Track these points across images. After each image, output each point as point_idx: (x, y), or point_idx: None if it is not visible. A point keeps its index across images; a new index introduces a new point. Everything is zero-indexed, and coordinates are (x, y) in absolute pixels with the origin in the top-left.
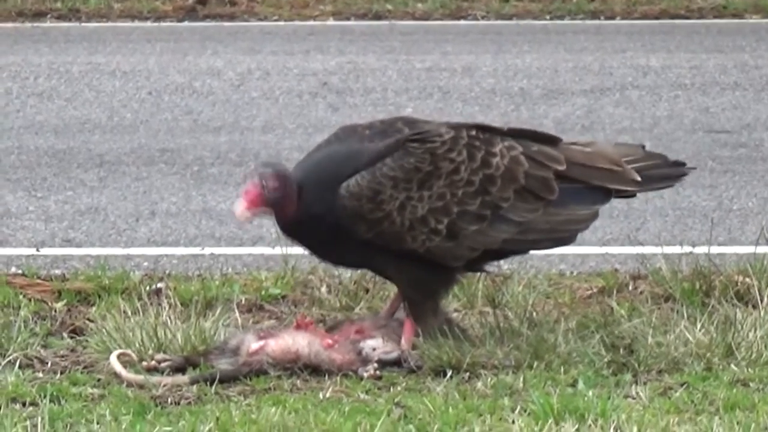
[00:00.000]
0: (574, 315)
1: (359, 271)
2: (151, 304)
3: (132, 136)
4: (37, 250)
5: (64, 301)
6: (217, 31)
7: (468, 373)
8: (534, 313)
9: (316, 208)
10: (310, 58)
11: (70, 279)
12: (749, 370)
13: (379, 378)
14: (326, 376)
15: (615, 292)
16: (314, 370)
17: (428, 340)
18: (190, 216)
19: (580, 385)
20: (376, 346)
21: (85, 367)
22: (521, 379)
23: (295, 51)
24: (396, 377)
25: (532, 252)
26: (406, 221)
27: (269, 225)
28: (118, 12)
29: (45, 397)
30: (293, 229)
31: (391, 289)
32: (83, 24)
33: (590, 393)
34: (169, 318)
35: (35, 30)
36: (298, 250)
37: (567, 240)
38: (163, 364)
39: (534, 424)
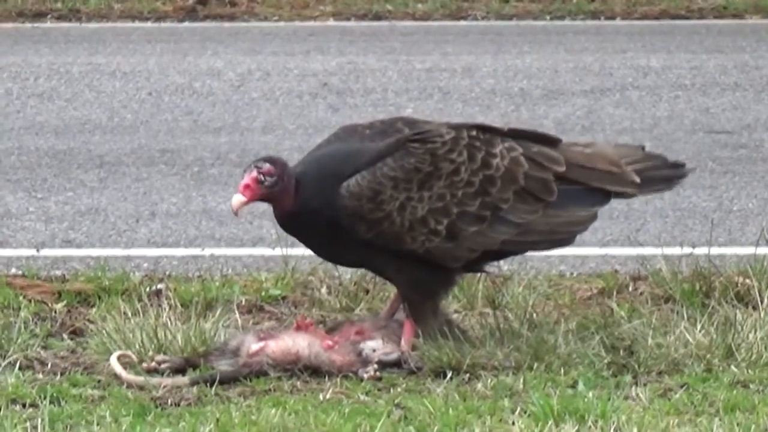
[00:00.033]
0: (574, 316)
1: (359, 273)
2: (151, 305)
3: (132, 137)
4: (37, 251)
5: (65, 302)
6: (218, 31)
7: (468, 375)
8: (534, 315)
9: (314, 203)
10: (310, 58)
11: (70, 280)
12: (749, 371)
13: (379, 379)
14: (326, 378)
15: (615, 293)
16: (314, 371)
17: (428, 342)
18: (191, 217)
19: (580, 386)
20: (376, 347)
21: (85, 369)
22: (521, 380)
23: (295, 51)
24: (396, 378)
25: (532, 253)
26: (405, 222)
27: (269, 226)
28: (119, 12)
29: (45, 398)
30: (290, 223)
31: (391, 291)
32: (83, 24)
33: (590, 394)
34: (169, 319)
35: (35, 30)
36: (299, 251)
37: (566, 241)
38: (163, 366)
39: (534, 425)
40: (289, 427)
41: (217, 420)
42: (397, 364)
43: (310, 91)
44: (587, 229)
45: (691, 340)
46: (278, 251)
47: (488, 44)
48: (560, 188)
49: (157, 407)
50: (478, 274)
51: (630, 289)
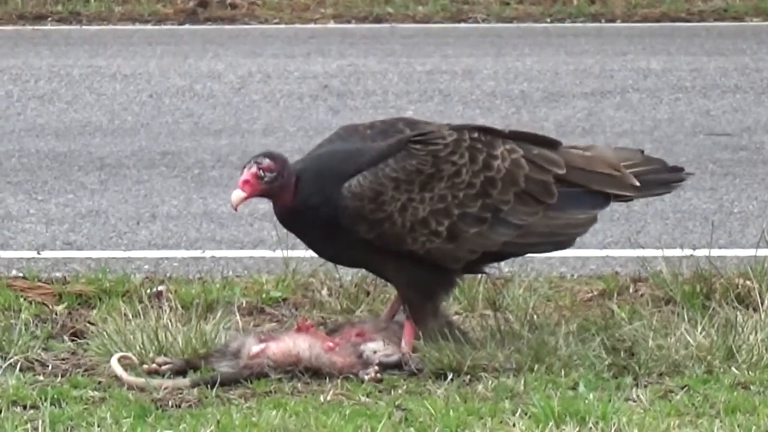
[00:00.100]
0: (575, 318)
1: (360, 274)
2: (152, 307)
3: (133, 139)
4: (38, 253)
5: (65, 304)
6: (218, 34)
7: (469, 376)
8: (535, 316)
9: (314, 200)
10: (310, 61)
11: (70, 282)
12: (750, 373)
13: (380, 381)
14: (327, 379)
15: (616, 295)
16: (315, 373)
17: (429, 343)
18: (191, 219)
19: (581, 388)
20: (376, 348)
21: (85, 370)
22: (522, 382)
23: (295, 54)
24: (397, 380)
25: (532, 255)
26: (407, 222)
27: (270, 228)
28: (119, 15)
29: (46, 400)
30: (290, 219)
31: (392, 292)
32: (84, 27)
33: (591, 396)
34: (170, 321)
35: (36, 33)
36: (299, 253)
37: (566, 244)
38: (163, 367)
39: (535, 427)
40: (289, 428)
41: (218, 422)
42: (397, 365)
43: (310, 93)
44: (587, 231)
45: (691, 341)
46: (279, 253)
47: (489, 47)
48: (560, 191)
49: (157, 409)
50: (479, 276)
51: (630, 290)
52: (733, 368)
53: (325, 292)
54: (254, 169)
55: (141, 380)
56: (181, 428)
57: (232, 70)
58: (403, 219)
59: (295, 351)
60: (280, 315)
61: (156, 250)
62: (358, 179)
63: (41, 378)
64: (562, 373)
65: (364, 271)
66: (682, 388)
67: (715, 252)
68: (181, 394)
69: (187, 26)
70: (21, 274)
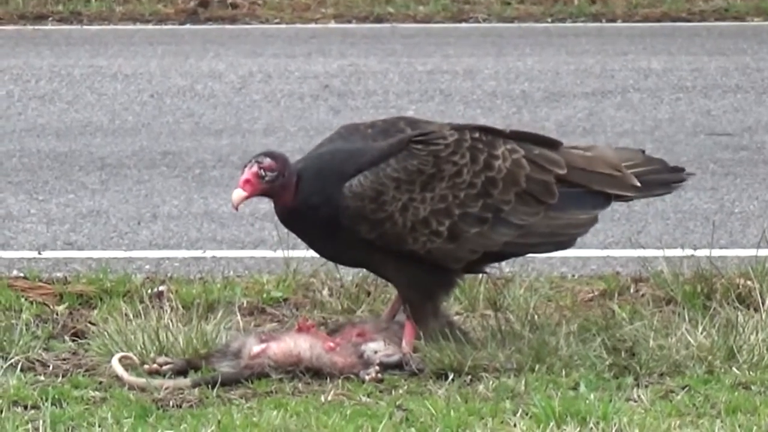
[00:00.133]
0: (576, 318)
1: (361, 275)
2: (153, 307)
3: (133, 139)
4: (39, 253)
5: (66, 304)
6: (219, 34)
7: (469, 376)
8: (535, 316)
9: (314, 199)
10: (311, 60)
11: (71, 282)
12: (751, 373)
13: (381, 381)
14: (328, 379)
15: (616, 295)
16: (316, 373)
17: (430, 343)
18: (192, 219)
19: (582, 388)
20: (377, 349)
21: (86, 370)
22: (523, 382)
23: (296, 54)
24: (397, 380)
25: (533, 255)
26: (408, 222)
27: (271, 228)
28: (120, 15)
29: (47, 400)
30: (290, 218)
31: (393, 292)
32: (85, 27)
33: (592, 396)
34: (171, 321)
35: (37, 33)
36: (300, 253)
37: (567, 244)
38: (164, 367)
39: (536, 427)
40: (290, 428)
41: (219, 422)
42: (398, 365)
43: (311, 93)
44: (588, 231)
45: (692, 341)
46: (280, 253)
47: (490, 46)
48: (561, 191)
49: (158, 409)
50: (480, 276)
51: (631, 290)
52: (734, 368)
53: (326, 292)
54: (255, 168)
55: (142, 380)
56: (182, 428)
57: (233, 69)
58: (404, 219)
59: (296, 351)
60: (281, 315)
61: (157, 250)
62: (359, 179)
63: (42, 378)
64: (563, 373)
65: (364, 271)
66: (683, 389)
67: (716, 252)
68: (182, 394)
69: (188, 26)
70: (22, 274)
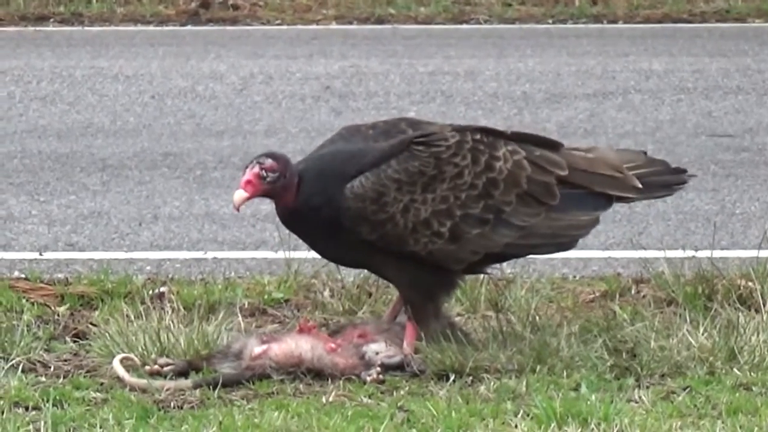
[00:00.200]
0: (577, 319)
1: (362, 276)
2: (154, 308)
3: (135, 140)
4: (40, 254)
5: (67, 305)
6: (220, 35)
7: (471, 377)
8: (537, 317)
9: (315, 200)
10: (312, 62)
11: (73, 283)
12: (752, 374)
13: (382, 382)
14: (329, 380)
15: (618, 296)
16: (317, 374)
17: (431, 344)
18: (193, 220)
19: (583, 389)
20: (378, 350)
21: (88, 371)
22: (524, 383)
23: (297, 55)
24: (399, 381)
25: (534, 256)
26: (409, 223)
27: (272, 229)
28: (121, 16)
29: (48, 401)
30: (291, 219)
31: (394, 293)
32: (86, 28)
33: (593, 397)
34: (172, 322)
35: (38, 34)
36: (302, 254)
37: (568, 245)
38: (166, 368)
39: (537, 428)
40: (291, 429)
41: (220, 423)
42: (400, 366)
43: (312, 94)
44: (589, 233)
45: (693, 342)
46: (281, 254)
47: (491, 48)
48: (563, 192)
49: (159, 410)
50: (481, 277)
51: (633, 292)
52: (735, 369)
53: (327, 293)
54: (256, 169)
55: (143, 381)
56: (183, 429)
57: (234, 71)
58: (405, 220)
59: (298, 352)
60: (282, 316)
61: (158, 252)
62: (361, 180)
63: (43, 379)
64: (564, 374)
65: (366, 272)
66: (684, 389)
67: (717, 253)
68: (183, 395)
69: (189, 27)
70: (23, 276)
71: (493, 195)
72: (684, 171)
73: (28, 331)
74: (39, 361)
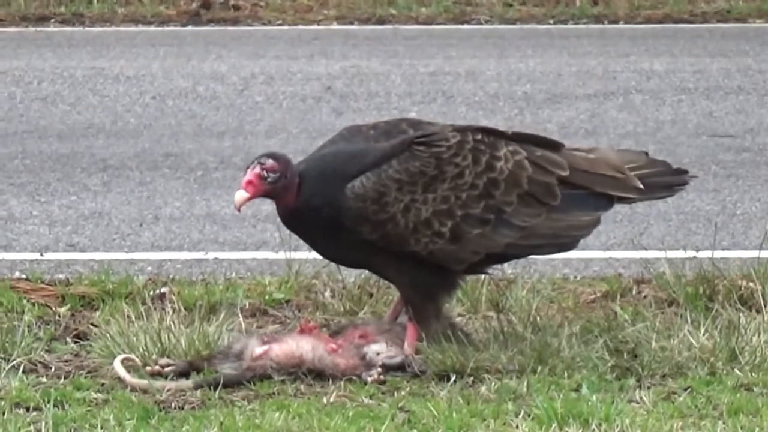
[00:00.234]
0: (578, 319)
1: (363, 276)
2: (155, 308)
3: (136, 141)
4: (41, 255)
5: (68, 305)
6: (221, 35)
7: (472, 378)
8: (538, 318)
9: (316, 200)
10: (313, 62)
11: (73, 284)
12: (753, 374)
13: (383, 382)
14: (330, 381)
15: (619, 296)
16: (318, 374)
17: (432, 345)
18: (194, 221)
19: (584, 389)
20: (379, 350)
21: (88, 372)
22: (525, 383)
23: (298, 55)
24: (400, 382)
25: (535, 256)
26: (410, 223)
27: (273, 230)
28: (122, 17)
29: (49, 401)
30: (292, 220)
31: (395, 294)
32: (87, 28)
33: (594, 397)
34: (173, 322)
35: (39, 34)
36: (302, 254)
37: (569, 245)
38: (166, 369)
39: (538, 428)
40: (292, 430)
41: (221, 423)
42: (400, 367)
43: (313, 94)
44: (590, 233)
45: (694, 343)
46: (282, 255)
47: (492, 48)
48: (564, 192)
49: (160, 411)
50: (482, 278)
51: (634, 292)
52: (736, 370)
53: (328, 293)
54: (257, 169)
55: (144, 382)
56: (184, 430)
57: (235, 71)
58: (406, 220)
59: (298, 353)
60: (283, 317)
61: (159, 252)
62: (361, 180)
63: (44, 380)
64: (565, 374)
65: (367, 272)
66: (685, 390)
67: (718, 254)
68: (184, 395)
69: (190, 28)
70: (24, 276)
71: (494, 195)
72: (685, 172)
73: (29, 331)
74: (40, 362)
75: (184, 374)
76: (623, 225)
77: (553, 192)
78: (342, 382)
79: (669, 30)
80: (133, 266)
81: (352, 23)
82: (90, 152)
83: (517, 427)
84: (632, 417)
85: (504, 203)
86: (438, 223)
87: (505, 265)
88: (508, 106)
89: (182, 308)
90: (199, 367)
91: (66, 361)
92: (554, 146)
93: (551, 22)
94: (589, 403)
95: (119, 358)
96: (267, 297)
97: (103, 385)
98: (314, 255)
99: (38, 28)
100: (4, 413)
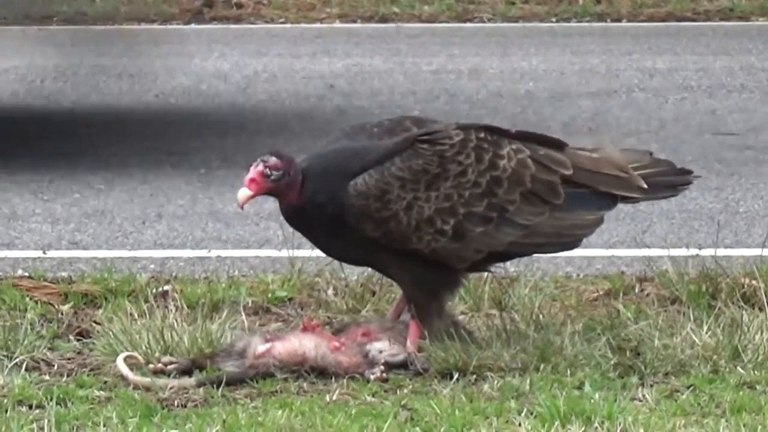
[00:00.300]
0: (581, 317)
1: (366, 274)
2: (158, 306)
3: (139, 139)
4: (44, 253)
5: (71, 303)
6: (224, 33)
7: (474, 376)
8: (540, 316)
9: (319, 198)
10: (316, 60)
11: (76, 281)
12: (756, 372)
13: (386, 380)
14: (333, 379)
15: (621, 294)
16: (321, 372)
17: (435, 343)
18: (197, 218)
19: (587, 387)
20: (382, 348)
21: (91, 370)
22: (528, 381)
23: (301, 53)
24: (402, 380)
25: (538, 255)
26: (412, 221)
27: (276, 228)
28: (125, 15)
29: (51, 399)
30: (296, 217)
31: (397, 292)
32: (89, 27)
33: (597, 395)
34: (176, 320)
35: (42, 33)
36: (305, 252)
37: (572, 244)
38: (169, 367)
39: (540, 426)
40: (295, 428)
41: (224, 421)
42: (403, 365)
43: (316, 93)
44: (593, 232)
45: (697, 341)
46: (285, 253)
47: (494, 46)
48: (567, 191)
49: (163, 408)
50: (485, 276)
51: (636, 290)
52: (738, 368)
53: (330, 291)
54: (261, 167)
55: (147, 380)
56: (187, 428)
57: (238, 69)
58: (408, 218)
59: (301, 351)
60: (285, 315)
61: (162, 250)
62: (364, 177)
63: (47, 378)
64: (568, 372)
65: (370, 270)
66: (688, 388)
67: (721, 251)
68: (186, 393)
69: (192, 26)
70: (27, 274)
71: (496, 193)
72: (689, 172)
73: (31, 329)
74: (42, 360)
75: (186, 372)
76: (626, 223)
77: (557, 191)
78: (345, 380)
79: (672, 28)
80: (136, 264)
81: (354, 21)
82: (93, 150)
83: (519, 425)
84: (635, 415)
85: (507, 201)
86: (440, 221)
87: (508, 263)
88: (511, 105)
89: (185, 306)
90: (202, 365)
91: (69, 359)
92: (558, 145)
93: (554, 20)
94: (592, 401)
95: (122, 355)
96: (270, 295)
97: (105, 382)
98: (317, 253)
99: (41, 27)
100: (6, 411)
